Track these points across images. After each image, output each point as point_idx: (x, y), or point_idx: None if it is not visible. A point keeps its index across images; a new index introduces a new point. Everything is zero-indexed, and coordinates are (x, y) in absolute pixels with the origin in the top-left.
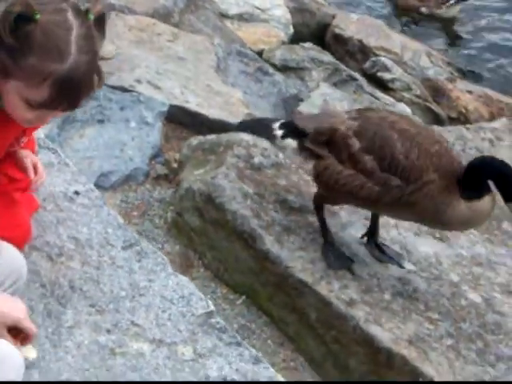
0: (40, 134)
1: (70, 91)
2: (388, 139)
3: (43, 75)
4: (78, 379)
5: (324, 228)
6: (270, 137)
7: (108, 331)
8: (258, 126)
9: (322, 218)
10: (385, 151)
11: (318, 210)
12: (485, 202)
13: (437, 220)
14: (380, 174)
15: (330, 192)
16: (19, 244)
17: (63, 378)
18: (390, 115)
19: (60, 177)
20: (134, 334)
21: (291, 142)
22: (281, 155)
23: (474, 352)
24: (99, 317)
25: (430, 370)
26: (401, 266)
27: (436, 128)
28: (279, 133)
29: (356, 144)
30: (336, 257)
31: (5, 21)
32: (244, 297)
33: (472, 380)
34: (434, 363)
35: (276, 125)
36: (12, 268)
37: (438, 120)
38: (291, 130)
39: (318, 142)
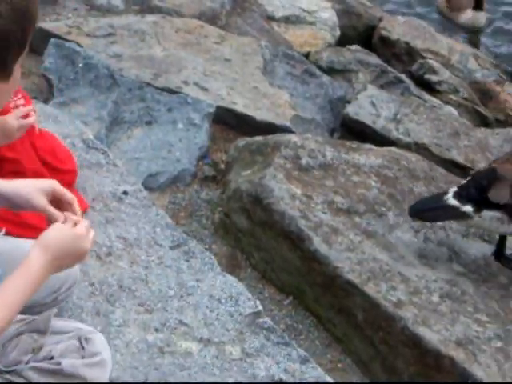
0: (88, 135)
1: None
2: None
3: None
4: (126, 377)
5: None
6: (459, 216)
7: (156, 330)
8: (436, 211)
9: None
10: None
11: None
12: None
13: None
14: None
15: None
16: None
17: (112, 377)
18: None
19: (109, 177)
20: (182, 333)
21: (490, 214)
22: (328, 156)
23: None
24: (148, 316)
25: (478, 372)
26: None
27: (484, 130)
28: (468, 208)
29: None
30: None
31: None
32: (291, 297)
33: None
34: (482, 365)
35: (452, 200)
36: (67, 274)
37: (485, 122)
38: (468, 194)
39: None
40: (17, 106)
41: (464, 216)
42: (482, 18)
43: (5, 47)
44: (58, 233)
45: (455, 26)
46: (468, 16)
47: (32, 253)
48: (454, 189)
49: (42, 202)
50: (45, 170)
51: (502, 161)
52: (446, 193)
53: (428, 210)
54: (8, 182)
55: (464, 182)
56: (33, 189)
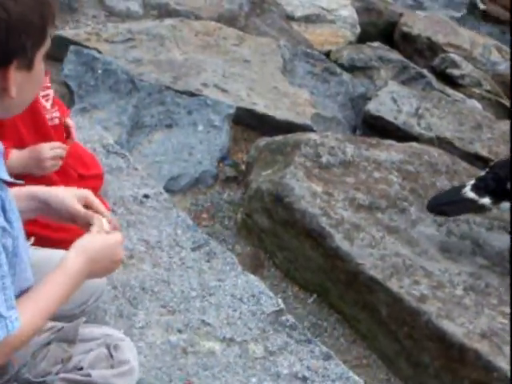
0: (109, 140)
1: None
2: None
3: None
4: (151, 379)
5: None
6: (478, 208)
7: (179, 331)
8: (455, 205)
9: None
10: None
11: None
12: None
13: None
14: None
15: None
16: None
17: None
18: None
19: (129, 181)
20: (205, 333)
21: (508, 205)
22: (349, 153)
23: None
24: (170, 317)
25: (503, 364)
26: None
27: (507, 122)
28: (487, 200)
29: None
30: None
31: None
32: (315, 295)
33: None
34: (507, 357)
35: (470, 193)
36: (95, 286)
37: (509, 115)
38: (486, 187)
39: None
40: (52, 119)
41: (482, 208)
42: None
43: (23, 31)
44: (95, 238)
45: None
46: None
47: (69, 256)
48: (472, 181)
49: (78, 206)
50: (73, 178)
51: None
52: (464, 186)
53: (446, 204)
54: (43, 187)
55: (482, 174)
56: (69, 193)
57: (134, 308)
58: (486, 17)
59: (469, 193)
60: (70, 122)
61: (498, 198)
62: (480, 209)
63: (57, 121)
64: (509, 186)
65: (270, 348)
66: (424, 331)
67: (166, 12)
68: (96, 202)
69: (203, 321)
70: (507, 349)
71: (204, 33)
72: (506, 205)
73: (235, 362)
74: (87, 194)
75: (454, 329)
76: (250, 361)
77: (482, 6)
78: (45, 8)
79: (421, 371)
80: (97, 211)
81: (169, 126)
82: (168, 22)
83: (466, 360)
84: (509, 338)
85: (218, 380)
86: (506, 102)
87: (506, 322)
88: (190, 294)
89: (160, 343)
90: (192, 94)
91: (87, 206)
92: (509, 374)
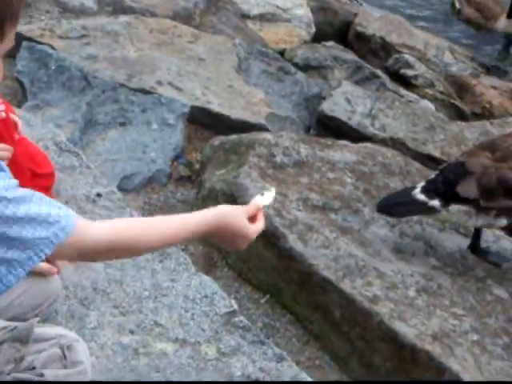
0: (62, 137)
1: None
2: None
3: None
4: (102, 380)
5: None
6: (427, 210)
7: (131, 332)
8: (404, 206)
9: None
10: None
11: None
12: None
13: None
14: None
15: None
16: None
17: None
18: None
19: (82, 179)
20: (158, 334)
21: (457, 208)
22: (303, 153)
23: (499, 347)
24: (122, 318)
25: (455, 366)
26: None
27: (460, 124)
28: (436, 203)
29: None
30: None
31: None
32: (268, 296)
33: (499, 375)
34: (459, 358)
35: (420, 195)
36: (50, 290)
37: (462, 116)
38: (436, 189)
39: (494, 198)
40: None
41: (431, 210)
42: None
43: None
44: (241, 220)
45: (489, 33)
46: (504, 23)
47: (205, 215)
48: (422, 183)
49: None
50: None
51: (468, 154)
52: (414, 187)
53: (396, 205)
54: None
55: (432, 176)
56: None
57: (86, 309)
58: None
59: (419, 195)
60: (15, 117)
61: (447, 200)
62: (429, 211)
63: (3, 114)
64: (457, 188)
65: (223, 349)
66: (376, 332)
67: (120, 8)
68: None
69: (156, 322)
70: (458, 350)
71: (159, 30)
72: (454, 207)
73: (188, 364)
74: None
75: (406, 330)
76: (202, 362)
77: (457, 6)
78: (4, 6)
79: (373, 372)
80: None
81: (123, 124)
82: (123, 18)
83: (417, 361)
84: (460, 340)
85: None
86: (459, 103)
87: (458, 323)
88: (142, 295)
89: (112, 344)
90: (146, 92)
91: None
92: (460, 375)
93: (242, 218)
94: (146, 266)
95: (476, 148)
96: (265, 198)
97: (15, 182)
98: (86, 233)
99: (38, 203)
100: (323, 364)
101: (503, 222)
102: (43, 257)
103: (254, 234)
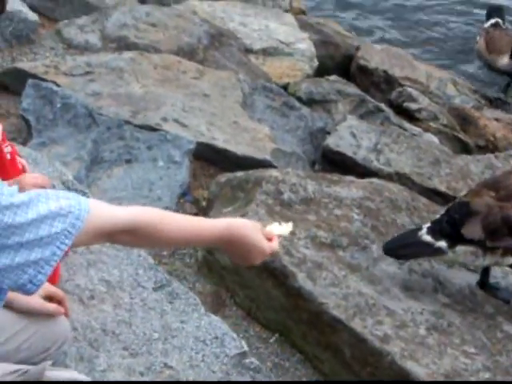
0: (69, 176)
1: None
2: None
3: None
4: None
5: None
6: (433, 252)
7: (141, 374)
8: (411, 248)
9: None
10: None
11: None
12: None
13: None
14: None
15: None
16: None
17: None
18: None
19: None
20: (168, 376)
21: (463, 248)
22: (310, 190)
23: None
24: (132, 360)
25: None
26: None
27: (464, 157)
28: (443, 244)
29: None
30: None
31: None
32: (277, 335)
33: None
34: None
35: (427, 237)
36: (58, 333)
37: (466, 149)
38: (442, 230)
39: (499, 237)
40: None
41: (438, 252)
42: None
43: None
44: (255, 235)
45: (493, 68)
46: (505, 62)
47: (219, 225)
48: (428, 224)
49: None
50: None
51: (472, 194)
52: (420, 229)
53: (402, 248)
54: None
55: (438, 216)
56: None
57: (95, 350)
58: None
59: (425, 236)
60: (21, 159)
61: (453, 241)
62: (436, 252)
63: (9, 156)
64: (463, 230)
65: None
66: (387, 372)
67: (124, 45)
68: None
69: (166, 364)
70: None
71: (163, 66)
72: (461, 248)
73: None
74: None
75: (418, 369)
76: None
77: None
78: None
79: None
80: None
81: (128, 162)
82: (127, 55)
83: None
84: (472, 378)
85: None
86: (462, 136)
87: (469, 361)
88: (152, 336)
89: None
90: (152, 129)
91: None
92: None
93: (258, 232)
94: (156, 307)
95: (480, 187)
96: (282, 228)
97: (15, 188)
98: (101, 214)
99: (45, 201)
100: None
101: (510, 260)
102: (65, 248)
103: (269, 251)
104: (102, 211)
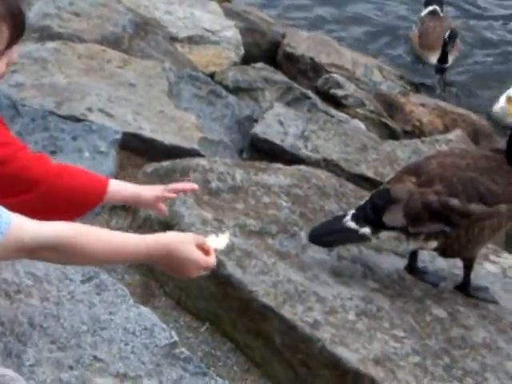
0: None
1: (18, 16)
2: (472, 180)
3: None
4: None
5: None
6: (358, 238)
7: (71, 367)
8: (335, 235)
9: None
10: (480, 191)
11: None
12: None
13: None
14: (490, 209)
15: (459, 255)
16: None
17: None
18: (439, 157)
19: None
20: (98, 369)
21: (387, 234)
22: (238, 178)
23: (441, 368)
24: (61, 353)
25: None
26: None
27: (391, 143)
28: (366, 230)
29: (455, 202)
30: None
31: None
32: (208, 324)
33: None
34: (401, 382)
35: (351, 223)
36: None
37: (393, 135)
38: (365, 217)
39: (421, 223)
40: None
41: (362, 238)
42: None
43: None
44: (186, 246)
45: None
46: (434, 61)
47: (149, 240)
48: (353, 211)
49: None
50: None
51: (395, 180)
52: (344, 215)
53: (327, 235)
54: None
55: (361, 203)
56: None
57: (23, 345)
58: None
59: (349, 223)
60: None
61: (376, 227)
62: (360, 239)
63: None
64: (384, 218)
65: (165, 382)
66: (318, 358)
67: (47, 35)
68: None
69: (95, 356)
70: (401, 373)
71: (87, 56)
72: (384, 234)
73: None
74: None
75: (348, 355)
76: None
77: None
78: None
79: None
80: None
81: (53, 153)
82: (50, 44)
83: None
84: (402, 362)
85: None
86: (389, 122)
87: (399, 345)
88: (80, 329)
89: (50, 381)
90: (77, 120)
91: None
92: None
93: (190, 244)
94: (84, 299)
95: (401, 173)
96: (219, 240)
97: None
98: (23, 228)
99: None
100: None
101: (433, 244)
102: None
103: (204, 264)
104: (24, 226)
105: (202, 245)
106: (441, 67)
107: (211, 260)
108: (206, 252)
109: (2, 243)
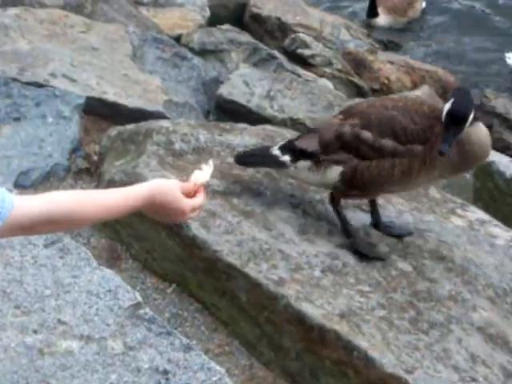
0: None
1: None
2: (391, 117)
3: None
4: (7, 383)
5: (346, 224)
6: (277, 164)
7: (35, 331)
8: (258, 158)
9: (343, 215)
10: (395, 128)
11: (337, 208)
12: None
13: (463, 157)
14: (402, 148)
15: (365, 189)
16: None
17: None
18: (380, 100)
19: None
20: (62, 332)
21: (303, 163)
22: (201, 139)
23: (406, 321)
24: (25, 318)
25: (363, 343)
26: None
27: (359, 101)
28: (286, 158)
29: (368, 134)
30: (367, 246)
31: None
32: (174, 285)
33: (406, 349)
34: (366, 336)
35: (276, 151)
36: None
37: (361, 93)
38: (292, 150)
39: (332, 151)
40: None
41: (282, 165)
42: (380, 22)
43: None
44: (174, 193)
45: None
46: (382, 21)
47: (144, 185)
48: (282, 142)
49: None
50: None
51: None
52: (275, 145)
53: (251, 156)
54: None
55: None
56: None
57: None
58: None
59: (275, 151)
60: None
61: (296, 156)
62: (280, 165)
63: None
64: (296, 142)
65: (130, 343)
66: (284, 315)
67: (10, 1)
68: None
69: (59, 320)
70: (366, 327)
71: (50, 21)
72: (301, 163)
73: (94, 360)
74: None
75: (313, 311)
76: (109, 357)
77: None
78: None
79: (282, 355)
80: None
81: (17, 119)
82: (12, 11)
83: (326, 341)
84: (367, 317)
85: (76, 379)
86: (357, 80)
87: (364, 300)
88: (44, 293)
89: (15, 345)
90: (40, 86)
91: None
92: (368, 352)
93: (174, 191)
94: (47, 264)
95: (339, 113)
96: (204, 173)
97: None
98: (19, 208)
99: None
100: (233, 350)
101: (338, 170)
102: None
103: (189, 207)
104: (19, 206)
105: (191, 189)
106: (369, 22)
107: (198, 200)
108: (196, 192)
109: (8, 224)
